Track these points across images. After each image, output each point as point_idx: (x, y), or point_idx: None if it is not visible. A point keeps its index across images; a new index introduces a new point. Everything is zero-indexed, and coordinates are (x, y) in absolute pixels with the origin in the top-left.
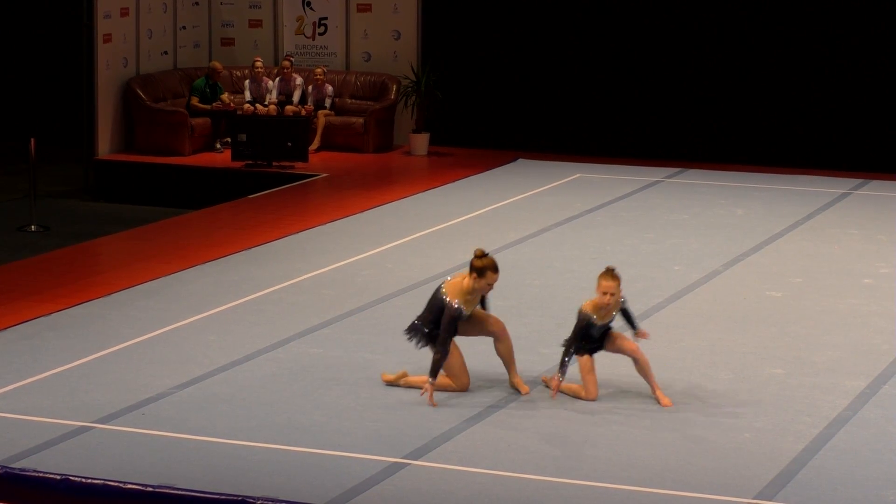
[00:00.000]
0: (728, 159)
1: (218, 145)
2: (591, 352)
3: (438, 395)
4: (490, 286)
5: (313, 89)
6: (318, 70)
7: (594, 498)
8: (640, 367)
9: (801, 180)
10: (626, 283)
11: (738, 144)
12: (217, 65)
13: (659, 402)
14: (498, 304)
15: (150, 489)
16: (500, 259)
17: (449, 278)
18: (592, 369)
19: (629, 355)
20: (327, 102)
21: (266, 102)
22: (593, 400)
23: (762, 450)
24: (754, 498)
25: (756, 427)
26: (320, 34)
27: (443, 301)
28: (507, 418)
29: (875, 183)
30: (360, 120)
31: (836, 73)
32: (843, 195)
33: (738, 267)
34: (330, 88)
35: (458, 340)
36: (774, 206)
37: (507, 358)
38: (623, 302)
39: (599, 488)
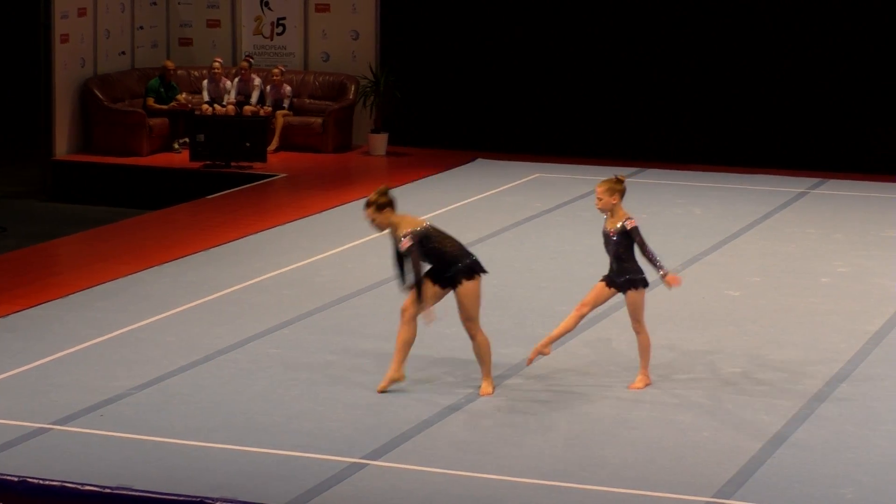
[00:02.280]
0: (686, 159)
1: (176, 146)
2: (608, 282)
3: (395, 390)
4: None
5: (271, 89)
6: (276, 70)
7: (552, 497)
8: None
9: (758, 180)
10: (585, 281)
11: (696, 144)
12: (169, 64)
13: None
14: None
15: (109, 490)
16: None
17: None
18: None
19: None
20: (286, 102)
21: (224, 103)
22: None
23: (721, 448)
24: (713, 496)
25: (714, 425)
26: (279, 34)
27: (398, 248)
28: (466, 419)
29: (832, 182)
30: (319, 120)
31: (794, 74)
32: (801, 194)
33: (697, 266)
34: (288, 88)
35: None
36: (732, 205)
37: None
38: (623, 225)
39: (558, 487)
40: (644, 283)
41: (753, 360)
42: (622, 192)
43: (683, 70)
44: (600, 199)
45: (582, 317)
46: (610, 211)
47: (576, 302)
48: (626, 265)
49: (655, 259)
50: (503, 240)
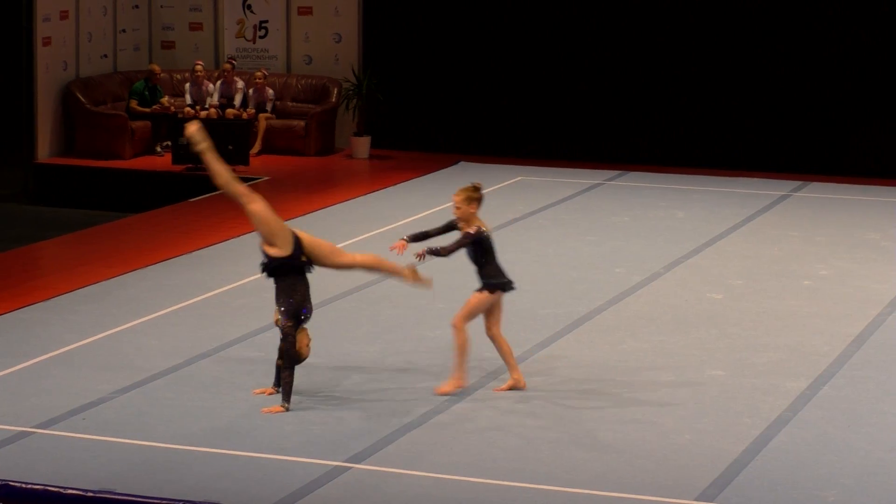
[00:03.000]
0: (668, 162)
1: (158, 148)
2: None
3: (379, 394)
4: None
5: (254, 92)
6: (259, 73)
7: (536, 500)
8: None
9: (740, 183)
10: (568, 284)
11: (679, 147)
12: (155, 67)
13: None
14: (439, 306)
15: (91, 494)
16: (440, 262)
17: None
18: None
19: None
20: (268, 105)
21: (207, 105)
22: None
23: (703, 451)
24: (695, 499)
25: (697, 429)
26: (261, 37)
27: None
28: (449, 422)
29: (814, 185)
30: (301, 123)
31: (776, 76)
32: (783, 197)
33: (679, 269)
34: (271, 91)
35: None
36: (715, 208)
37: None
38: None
39: (541, 490)
40: (498, 288)
41: (736, 363)
42: (479, 201)
43: (666, 73)
44: (458, 208)
45: (499, 335)
46: (466, 220)
47: (559, 304)
48: (486, 270)
49: (445, 250)
50: None
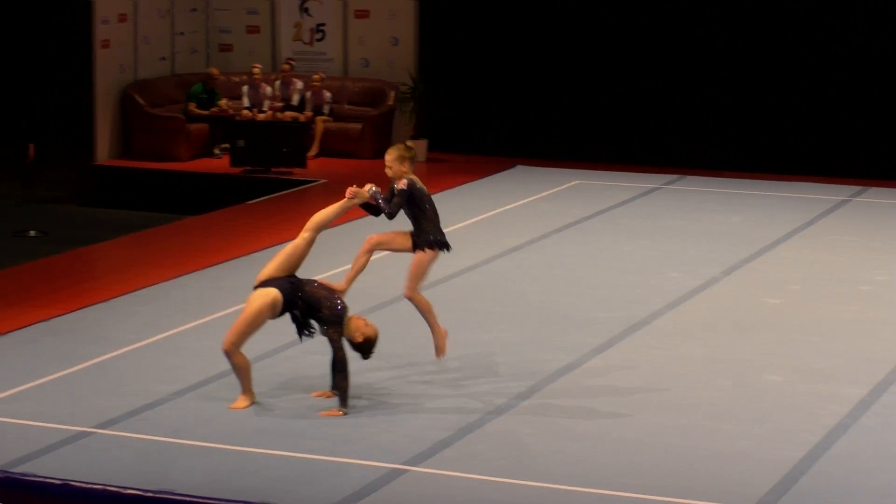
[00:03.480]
0: (726, 166)
1: (216, 151)
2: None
3: (436, 396)
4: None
5: (311, 95)
6: (316, 76)
7: None
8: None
9: (799, 187)
10: (625, 289)
11: (737, 151)
12: (214, 71)
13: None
14: (495, 310)
15: (150, 494)
16: (498, 266)
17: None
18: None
19: None
20: (325, 108)
21: (264, 108)
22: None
23: (762, 457)
24: None
25: (756, 434)
26: (318, 40)
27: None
28: (507, 425)
29: (874, 190)
30: (358, 126)
31: (835, 80)
32: (842, 202)
33: (737, 274)
34: (328, 94)
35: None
36: (773, 213)
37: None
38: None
39: (601, 495)
40: (438, 246)
41: (794, 368)
42: (412, 160)
43: (726, 77)
44: (390, 168)
45: (371, 251)
46: (399, 179)
47: (616, 308)
48: (423, 226)
49: (385, 208)
50: (542, 247)
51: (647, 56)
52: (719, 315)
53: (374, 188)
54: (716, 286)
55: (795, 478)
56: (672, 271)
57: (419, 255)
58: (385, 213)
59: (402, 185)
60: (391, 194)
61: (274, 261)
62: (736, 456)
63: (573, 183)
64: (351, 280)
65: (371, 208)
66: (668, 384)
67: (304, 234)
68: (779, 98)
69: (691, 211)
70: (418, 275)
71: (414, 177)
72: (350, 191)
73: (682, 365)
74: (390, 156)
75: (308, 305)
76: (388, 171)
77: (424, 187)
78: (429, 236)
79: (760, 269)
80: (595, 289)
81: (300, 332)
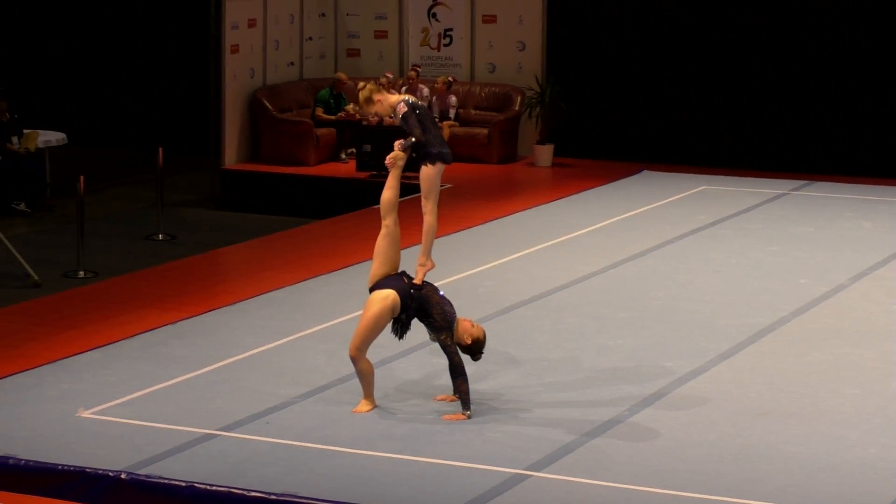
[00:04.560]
0: (856, 171)
1: (343, 156)
2: None
3: (559, 402)
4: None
5: (437, 100)
6: (440, 80)
7: None
8: None
9: None
10: (751, 295)
11: (868, 156)
12: (342, 76)
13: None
14: (620, 315)
15: (274, 497)
16: (623, 271)
17: None
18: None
19: None
20: (451, 113)
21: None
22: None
23: (889, 466)
24: None
25: (882, 443)
26: (445, 45)
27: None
28: (629, 431)
29: None
30: (485, 131)
31: None
32: None
33: (865, 281)
34: (454, 99)
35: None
36: None
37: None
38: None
39: (722, 502)
40: (441, 159)
41: None
42: (384, 85)
43: (854, 82)
44: (379, 109)
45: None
46: (391, 108)
47: (742, 315)
48: (427, 138)
49: (414, 137)
50: (667, 252)
51: (777, 61)
52: (846, 322)
53: (401, 141)
54: (843, 293)
55: None
56: (799, 277)
57: (424, 169)
58: (418, 142)
59: (401, 109)
60: (405, 124)
61: (376, 260)
62: (862, 464)
63: (700, 188)
64: (426, 252)
65: (411, 149)
66: (793, 391)
67: (385, 223)
68: None
69: (818, 216)
70: (429, 189)
71: (403, 95)
72: (388, 162)
73: (808, 372)
74: (369, 103)
75: (420, 307)
76: (380, 111)
77: (417, 100)
78: (431, 149)
79: (889, 275)
80: (721, 294)
81: (401, 333)
